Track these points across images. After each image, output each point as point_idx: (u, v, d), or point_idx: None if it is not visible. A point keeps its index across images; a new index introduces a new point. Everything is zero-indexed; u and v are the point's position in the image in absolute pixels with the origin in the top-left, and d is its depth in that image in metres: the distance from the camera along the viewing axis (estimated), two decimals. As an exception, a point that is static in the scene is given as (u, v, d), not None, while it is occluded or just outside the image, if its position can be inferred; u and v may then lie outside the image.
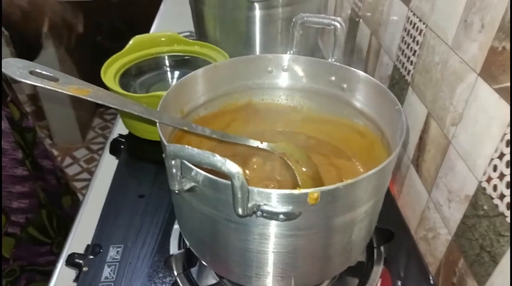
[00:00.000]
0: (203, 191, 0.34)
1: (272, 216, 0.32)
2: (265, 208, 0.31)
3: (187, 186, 0.33)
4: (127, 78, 0.68)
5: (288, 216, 0.32)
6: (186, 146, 0.29)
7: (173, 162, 0.30)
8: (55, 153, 1.93)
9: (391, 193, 0.62)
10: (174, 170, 0.31)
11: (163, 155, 0.31)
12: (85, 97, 0.34)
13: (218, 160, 0.27)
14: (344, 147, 0.52)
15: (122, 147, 0.67)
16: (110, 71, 0.66)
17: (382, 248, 0.51)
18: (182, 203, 0.39)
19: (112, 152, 0.68)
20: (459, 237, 0.49)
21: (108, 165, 0.68)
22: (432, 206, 0.55)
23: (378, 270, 0.49)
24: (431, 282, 0.49)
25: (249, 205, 0.31)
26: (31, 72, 0.33)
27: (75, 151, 1.94)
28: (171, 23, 1.10)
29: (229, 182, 0.30)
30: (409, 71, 0.62)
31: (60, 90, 0.34)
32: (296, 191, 0.31)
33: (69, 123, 1.90)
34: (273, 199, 0.31)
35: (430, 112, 0.56)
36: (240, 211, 0.30)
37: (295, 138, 0.54)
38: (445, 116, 0.52)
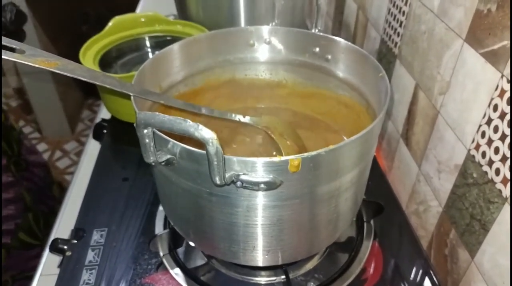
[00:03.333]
0: (181, 164, 0.32)
1: (253, 185, 0.30)
2: (245, 177, 0.30)
3: (163, 158, 0.31)
4: (108, 60, 0.66)
5: (269, 186, 0.31)
6: (157, 113, 0.27)
7: (145, 131, 0.28)
8: (45, 146, 1.90)
9: (380, 168, 0.61)
10: (146, 140, 0.29)
11: (134, 125, 0.29)
12: (52, 70, 0.33)
13: (191, 125, 0.26)
14: (330, 120, 0.51)
15: (105, 131, 0.66)
16: (90, 54, 0.64)
17: (372, 222, 0.50)
18: (162, 179, 0.38)
19: (95, 136, 0.67)
20: (450, 208, 0.48)
21: (93, 151, 0.66)
22: (422, 179, 0.55)
23: (368, 244, 0.48)
24: (423, 255, 0.48)
25: (228, 174, 0.30)
26: (-6, 45, 0.31)
27: (65, 143, 1.91)
28: (155, 5, 1.07)
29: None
30: (396, 43, 0.60)
31: (26, 62, 0.32)
32: (276, 159, 0.30)
33: (57, 116, 1.87)
34: (253, 168, 0.30)
35: (418, 83, 0.54)
36: (217, 180, 0.28)
37: (281, 114, 0.53)
38: (433, 86, 0.50)
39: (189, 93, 0.49)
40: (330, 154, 0.31)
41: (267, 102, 0.54)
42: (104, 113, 0.72)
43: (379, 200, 0.50)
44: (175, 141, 0.31)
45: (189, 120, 0.26)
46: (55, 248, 0.49)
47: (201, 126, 0.26)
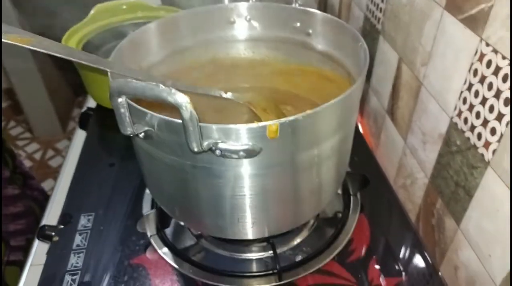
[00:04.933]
0: (160, 136, 0.32)
1: (231, 153, 0.30)
2: (223, 145, 0.30)
3: (141, 130, 0.31)
4: (91, 48, 0.65)
5: (249, 153, 0.31)
6: (129, 79, 0.27)
7: (119, 100, 0.28)
8: (37, 146, 1.89)
9: (367, 145, 0.61)
10: (121, 110, 0.29)
11: (108, 96, 0.29)
12: (26, 46, 0.32)
13: (163, 90, 0.26)
14: (314, 96, 0.51)
15: (90, 120, 0.65)
16: (72, 42, 0.63)
17: (358, 196, 0.50)
18: (143, 155, 0.37)
19: (81, 126, 0.66)
20: (435, 178, 0.48)
21: (80, 141, 0.66)
22: (408, 152, 0.55)
23: (354, 217, 0.48)
24: (412, 227, 0.49)
25: (206, 142, 0.29)
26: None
27: (56, 142, 1.90)
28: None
29: (183, 121, 0.28)
30: (379, 19, 0.60)
31: (-2, 39, 0.31)
32: (254, 125, 0.29)
33: (48, 115, 1.86)
34: (231, 135, 0.30)
35: (401, 57, 0.54)
36: (194, 146, 0.28)
37: (265, 92, 0.52)
38: (415, 58, 0.50)
39: (170, 74, 0.48)
40: (308, 118, 0.31)
41: (250, 81, 0.54)
42: (89, 104, 0.72)
43: (365, 173, 0.50)
44: (152, 113, 0.31)
45: (161, 85, 0.26)
46: (43, 234, 0.48)
47: (174, 90, 0.26)
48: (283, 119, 0.30)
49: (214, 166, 0.33)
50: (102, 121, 0.65)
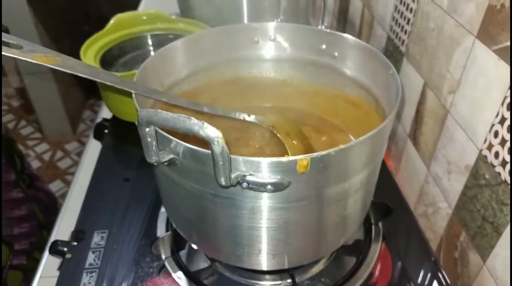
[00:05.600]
0: (184, 164, 0.31)
1: (259, 187, 0.29)
2: (251, 178, 0.29)
3: (166, 158, 0.30)
4: (109, 58, 0.65)
5: (277, 187, 0.29)
6: (159, 110, 0.26)
7: (147, 130, 0.27)
8: (46, 146, 1.89)
9: (387, 168, 0.60)
10: (148, 139, 0.28)
11: (136, 123, 0.28)
12: (51, 66, 0.31)
13: (195, 123, 0.25)
14: (337, 119, 0.50)
15: (106, 131, 0.65)
16: (90, 52, 0.62)
17: (380, 224, 0.48)
18: (164, 180, 0.36)
19: (96, 136, 0.66)
20: (460, 209, 0.47)
21: (94, 151, 0.65)
22: (431, 180, 0.53)
23: (376, 247, 0.47)
24: (432, 258, 0.47)
25: (234, 175, 0.28)
26: (-10, 40, 0.30)
27: (66, 144, 1.91)
28: (157, 5, 1.06)
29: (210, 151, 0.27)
30: (403, 41, 0.59)
31: (24, 58, 0.31)
32: (285, 158, 0.28)
33: (58, 116, 1.86)
34: (260, 168, 0.29)
35: (426, 82, 0.53)
36: (222, 180, 0.27)
37: (286, 113, 0.51)
38: (442, 84, 0.49)
39: (192, 91, 0.47)
40: (340, 153, 0.29)
41: (271, 101, 0.53)
42: (105, 113, 0.71)
43: (387, 202, 0.49)
44: (178, 141, 0.30)
45: (193, 118, 0.25)
46: (55, 250, 0.47)
47: (206, 124, 0.25)
48: (314, 154, 0.29)
49: (238, 197, 0.32)
50: (118, 134, 0.64)
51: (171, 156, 0.30)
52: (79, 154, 1.87)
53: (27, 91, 1.80)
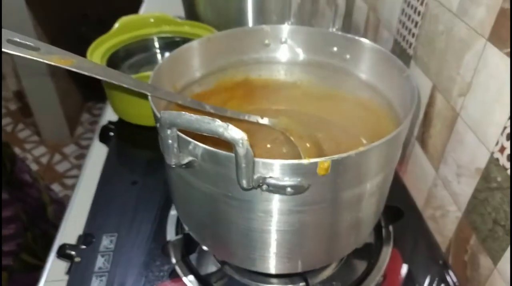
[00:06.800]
0: (202, 166, 0.31)
1: (279, 189, 0.29)
2: (272, 180, 0.29)
3: (185, 160, 0.30)
4: (115, 60, 0.64)
5: (297, 189, 0.29)
6: (183, 112, 0.26)
7: (168, 132, 0.27)
8: (44, 149, 1.88)
9: (396, 171, 0.60)
10: (170, 141, 0.28)
11: (157, 125, 0.28)
12: (68, 68, 0.31)
13: (220, 125, 0.24)
14: (349, 123, 0.50)
15: (112, 133, 0.64)
16: (97, 54, 0.62)
17: (390, 228, 0.48)
18: (179, 182, 0.36)
19: (102, 139, 0.65)
20: (470, 212, 0.47)
21: (98, 153, 0.65)
22: (440, 183, 0.53)
23: (387, 250, 0.46)
24: (441, 262, 0.47)
25: (254, 177, 0.28)
26: (9, 41, 0.30)
27: (64, 147, 1.89)
28: (158, 7, 1.06)
29: (231, 154, 0.27)
30: (410, 44, 0.59)
31: (42, 60, 0.30)
32: (306, 161, 0.28)
33: (56, 119, 1.85)
34: (280, 171, 0.29)
35: (435, 85, 0.53)
36: (244, 183, 0.27)
37: (296, 115, 0.51)
38: (452, 87, 0.49)
39: (203, 93, 0.47)
40: (360, 156, 0.29)
41: (281, 103, 0.53)
42: (109, 116, 0.70)
43: (397, 204, 0.49)
44: (197, 142, 0.30)
45: (217, 120, 0.25)
46: (63, 253, 0.47)
47: (230, 126, 0.25)
48: (335, 156, 0.28)
49: (255, 200, 0.32)
50: (124, 137, 0.64)
51: (190, 158, 0.30)
52: (77, 157, 1.85)
53: (25, 94, 1.79)
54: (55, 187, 1.70)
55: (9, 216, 0.76)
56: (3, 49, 0.29)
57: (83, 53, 0.61)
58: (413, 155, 0.60)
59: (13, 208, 0.78)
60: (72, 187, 1.69)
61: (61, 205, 0.98)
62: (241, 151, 0.25)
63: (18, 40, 0.31)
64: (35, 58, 0.31)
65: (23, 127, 1.98)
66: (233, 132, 0.25)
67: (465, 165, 0.47)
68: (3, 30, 0.31)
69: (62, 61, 0.31)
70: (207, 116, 0.25)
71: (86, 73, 0.32)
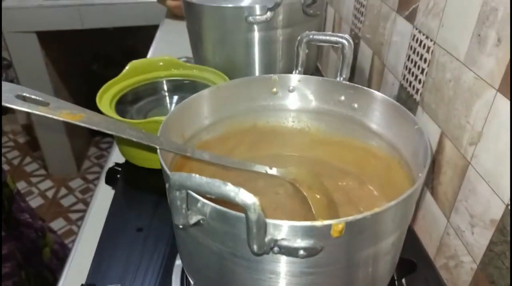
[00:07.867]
0: (211, 225, 0.30)
1: (291, 252, 0.28)
2: (284, 243, 0.28)
3: (193, 219, 0.29)
4: (124, 104, 0.65)
5: (309, 252, 0.28)
6: (193, 174, 0.25)
7: (177, 193, 0.26)
8: (50, 183, 1.88)
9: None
10: (179, 202, 0.27)
11: (166, 186, 0.27)
12: (78, 123, 0.31)
13: (231, 189, 0.24)
14: (358, 170, 0.49)
15: (118, 176, 0.64)
16: (106, 97, 0.63)
17: (403, 281, 0.46)
18: (186, 238, 0.35)
19: (108, 181, 0.65)
20: (486, 265, 0.45)
21: (104, 195, 0.64)
22: (452, 232, 0.52)
23: (401, 305, 0.45)
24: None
25: (266, 239, 0.27)
26: (18, 96, 0.30)
27: (70, 181, 1.89)
28: (167, 49, 1.09)
29: (241, 214, 0.26)
30: (417, 90, 0.59)
31: (51, 116, 0.30)
32: (319, 223, 0.27)
33: (64, 153, 1.86)
34: (292, 233, 0.28)
35: (443, 132, 0.53)
36: (255, 248, 0.26)
37: (304, 162, 0.51)
38: (462, 135, 0.49)
39: (211, 141, 0.47)
40: (375, 217, 0.28)
41: (289, 149, 0.52)
42: (116, 156, 0.70)
43: (410, 256, 0.47)
44: (206, 201, 0.29)
45: (229, 184, 0.24)
46: (65, 305, 0.45)
47: (242, 190, 0.24)
48: (350, 218, 0.28)
49: (264, 261, 0.31)
50: (131, 180, 0.63)
51: (198, 217, 0.29)
52: (83, 191, 1.85)
53: (33, 128, 1.81)
54: (60, 222, 1.69)
55: (5, 254, 0.76)
56: (11, 106, 0.30)
57: (95, 91, 0.62)
58: (423, 201, 0.59)
59: (9, 246, 0.77)
60: (77, 221, 1.68)
61: (63, 246, 0.97)
62: (252, 216, 0.24)
63: (27, 95, 0.31)
64: (45, 114, 0.31)
65: (30, 161, 1.99)
66: (245, 197, 0.24)
67: (478, 215, 0.46)
68: (12, 85, 0.31)
69: (71, 116, 0.31)
70: (218, 179, 0.25)
71: (95, 128, 0.32)
